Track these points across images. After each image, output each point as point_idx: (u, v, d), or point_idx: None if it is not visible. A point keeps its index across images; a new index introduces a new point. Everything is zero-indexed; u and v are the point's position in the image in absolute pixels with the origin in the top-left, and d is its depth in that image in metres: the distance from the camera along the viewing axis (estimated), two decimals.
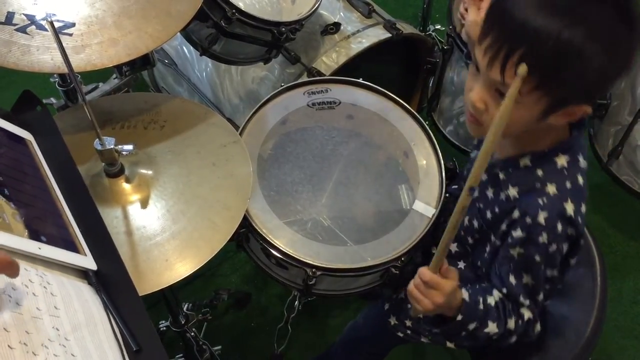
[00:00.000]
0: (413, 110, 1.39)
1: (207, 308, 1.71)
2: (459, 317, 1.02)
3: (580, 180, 1.02)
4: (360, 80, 1.42)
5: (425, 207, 1.26)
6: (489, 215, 1.11)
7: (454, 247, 1.24)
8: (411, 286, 1.02)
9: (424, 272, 0.99)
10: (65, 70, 0.86)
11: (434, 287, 0.99)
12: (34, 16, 1.02)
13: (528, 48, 0.85)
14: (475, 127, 1.02)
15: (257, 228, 1.19)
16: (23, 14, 1.02)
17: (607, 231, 2.07)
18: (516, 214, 1.03)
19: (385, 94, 1.41)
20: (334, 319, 1.89)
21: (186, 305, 1.68)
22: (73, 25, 1.03)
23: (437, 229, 1.36)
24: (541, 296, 1.05)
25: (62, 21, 1.03)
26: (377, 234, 1.23)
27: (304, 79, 1.61)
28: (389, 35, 1.68)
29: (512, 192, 1.05)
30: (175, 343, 1.62)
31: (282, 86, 1.39)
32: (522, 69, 0.80)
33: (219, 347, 1.69)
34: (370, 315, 1.44)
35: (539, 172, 1.02)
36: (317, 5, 1.51)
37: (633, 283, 1.99)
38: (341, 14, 1.76)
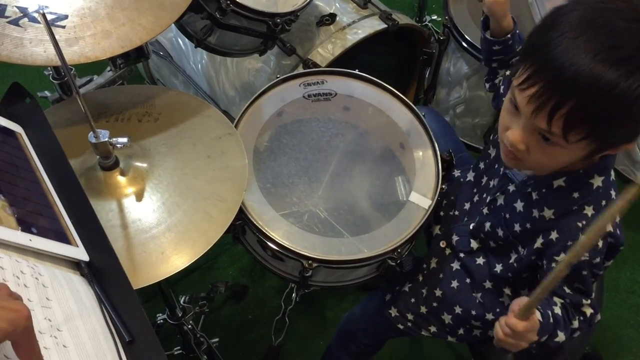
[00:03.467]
0: (409, 102, 1.38)
1: (205, 301, 1.72)
2: (536, 338, 1.01)
3: (613, 194, 1.03)
4: (357, 72, 1.42)
5: (422, 199, 1.26)
6: (517, 227, 1.11)
7: (475, 244, 1.25)
8: (501, 336, 0.99)
9: (516, 324, 0.95)
10: (58, 62, 0.86)
11: (529, 332, 0.97)
12: (27, 8, 1.01)
13: (579, 100, 0.83)
14: (513, 162, 1.01)
15: (253, 220, 1.18)
16: (15, 6, 1.01)
17: None
18: (554, 235, 1.03)
19: (382, 85, 1.41)
20: (331, 310, 1.89)
21: (183, 298, 1.68)
22: (66, 17, 1.02)
23: (434, 219, 1.36)
24: (593, 292, 1.07)
25: (55, 13, 1.02)
26: (374, 226, 1.23)
27: (300, 70, 1.60)
28: (385, 26, 1.68)
29: (548, 213, 1.05)
30: (172, 336, 1.62)
31: (277, 78, 1.39)
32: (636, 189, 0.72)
33: (217, 339, 1.69)
34: (368, 306, 1.44)
35: (575, 195, 1.02)
36: None
37: (630, 273, 2.00)
38: (337, 4, 1.76)
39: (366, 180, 1.29)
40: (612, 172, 1.05)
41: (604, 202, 1.02)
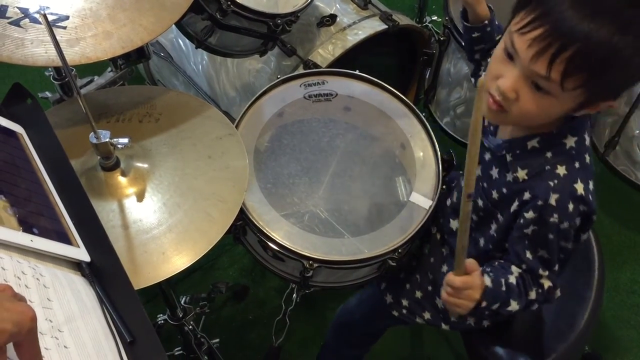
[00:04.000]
0: (409, 102, 1.38)
1: (205, 301, 1.72)
2: (484, 304, 1.03)
3: (587, 158, 1.04)
4: (357, 72, 1.42)
5: (422, 199, 1.26)
6: (494, 195, 1.11)
7: (455, 224, 1.26)
8: (445, 296, 1.03)
9: (453, 279, 1.00)
10: (59, 63, 0.86)
11: (467, 288, 1.00)
12: (28, 9, 1.01)
13: (583, 45, 0.84)
14: (497, 114, 0.99)
15: (254, 221, 1.18)
16: (16, 7, 1.01)
17: (604, 222, 2.07)
18: (527, 195, 1.03)
19: (382, 85, 1.41)
20: (332, 311, 1.88)
21: (184, 299, 1.68)
22: (67, 18, 1.02)
23: (435, 220, 1.36)
24: (557, 266, 1.06)
25: (56, 14, 1.02)
26: (374, 226, 1.23)
27: (300, 71, 1.60)
28: (385, 26, 1.68)
29: (521, 174, 1.05)
30: (173, 336, 1.62)
31: (278, 78, 1.39)
32: (481, 81, 0.79)
33: (217, 340, 1.69)
34: (365, 296, 1.44)
35: (548, 154, 1.03)
36: None
37: (630, 273, 2.00)
38: (337, 5, 1.76)
39: (367, 181, 1.29)
40: (587, 137, 1.04)
41: (577, 164, 1.01)
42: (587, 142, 1.05)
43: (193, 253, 0.97)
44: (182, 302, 1.60)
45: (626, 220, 2.08)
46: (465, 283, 1.00)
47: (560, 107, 0.94)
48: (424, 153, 1.32)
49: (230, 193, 1.06)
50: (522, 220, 1.04)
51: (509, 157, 1.08)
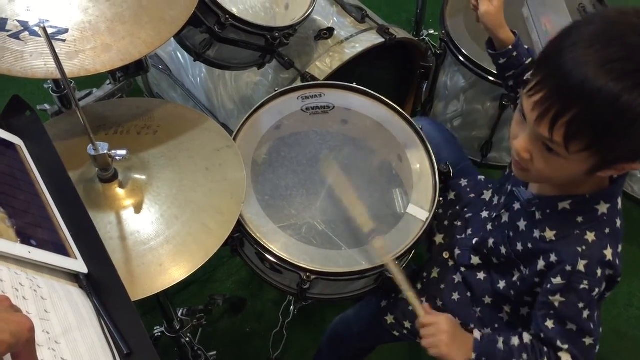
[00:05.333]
0: (406, 115, 1.39)
1: (202, 313, 1.71)
2: (473, 356, 1.04)
3: (618, 223, 1.02)
4: (354, 85, 1.43)
5: (419, 211, 1.26)
6: (519, 247, 1.11)
7: (476, 260, 1.25)
8: (421, 338, 1.12)
9: (418, 321, 1.13)
10: (58, 76, 0.86)
11: (431, 325, 1.09)
12: (27, 22, 1.02)
13: (582, 109, 0.84)
14: (521, 173, 1.02)
15: (251, 232, 1.19)
16: (16, 20, 1.02)
17: None
18: (553, 257, 1.03)
19: (379, 98, 1.42)
20: (330, 323, 1.88)
21: (181, 311, 1.67)
22: (66, 31, 1.03)
23: (438, 228, 1.36)
24: (589, 339, 1.02)
25: (55, 27, 1.03)
26: (372, 238, 1.23)
27: (298, 84, 1.61)
28: (382, 40, 1.69)
29: (549, 234, 1.04)
30: (170, 349, 1.61)
31: (276, 91, 1.40)
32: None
33: (214, 352, 1.69)
34: (363, 311, 1.43)
35: (579, 219, 1.02)
36: (310, 10, 1.52)
37: (627, 287, 1.99)
38: (335, 19, 1.77)
39: (364, 193, 1.29)
40: (619, 201, 1.03)
41: (607, 230, 1.00)
42: (619, 205, 1.03)
43: (190, 265, 0.97)
44: (179, 314, 1.60)
45: (624, 234, 2.08)
46: (428, 320, 1.10)
47: (573, 168, 0.93)
48: (420, 165, 1.33)
49: (228, 205, 1.06)
50: (549, 286, 1.03)
51: (538, 215, 1.07)
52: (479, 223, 1.29)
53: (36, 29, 1.01)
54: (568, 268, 1.00)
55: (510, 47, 1.22)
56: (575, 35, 0.88)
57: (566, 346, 1.02)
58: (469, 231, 1.30)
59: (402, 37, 1.74)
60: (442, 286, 1.31)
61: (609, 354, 1.87)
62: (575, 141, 0.87)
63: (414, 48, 1.87)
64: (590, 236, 1.00)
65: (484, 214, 1.29)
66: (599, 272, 0.99)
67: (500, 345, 1.03)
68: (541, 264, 1.05)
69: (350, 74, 1.67)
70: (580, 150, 0.88)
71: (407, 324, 1.32)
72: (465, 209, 1.37)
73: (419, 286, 1.34)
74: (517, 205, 1.14)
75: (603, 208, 1.01)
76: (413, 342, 1.35)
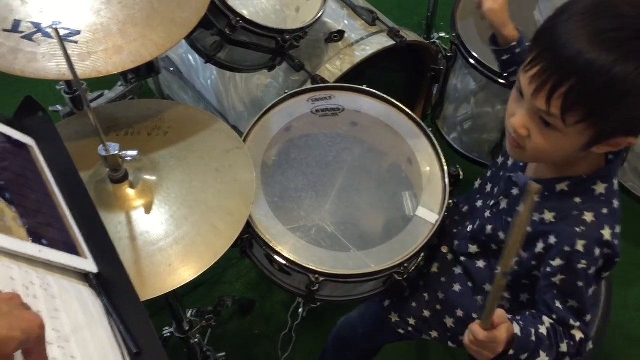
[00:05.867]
0: (416, 117, 1.39)
1: (211, 314, 1.72)
2: (511, 352, 1.01)
3: (616, 203, 1.03)
4: (364, 87, 1.43)
5: (429, 214, 1.26)
6: None
7: (474, 248, 1.26)
8: (467, 342, 1.00)
9: (477, 331, 0.96)
10: (70, 77, 0.87)
11: (491, 342, 0.97)
12: (40, 24, 1.03)
13: (577, 80, 0.85)
14: (517, 151, 1.02)
15: (260, 234, 1.19)
16: (29, 21, 1.03)
17: None
18: (552, 239, 1.03)
19: (389, 100, 1.42)
20: None
21: (190, 312, 1.68)
22: (78, 32, 1.04)
23: (441, 234, 1.36)
24: (589, 316, 1.04)
25: (68, 29, 1.04)
26: (381, 240, 1.23)
27: (308, 86, 1.62)
28: (393, 42, 1.69)
29: (548, 216, 1.05)
30: (179, 350, 1.62)
31: (286, 93, 1.40)
32: (534, 187, 0.78)
33: (223, 353, 1.69)
34: (367, 311, 1.44)
35: (577, 200, 1.03)
36: (321, 13, 1.52)
37: (638, 290, 1.98)
38: (345, 21, 1.78)
39: (373, 195, 1.29)
40: (616, 182, 1.04)
41: (605, 210, 1.01)
42: (616, 185, 1.04)
43: (199, 265, 0.98)
44: (189, 315, 1.61)
45: (634, 237, 2.06)
46: (489, 338, 0.96)
47: (570, 143, 0.94)
48: (430, 168, 1.33)
49: (237, 206, 1.06)
50: (548, 269, 1.04)
51: (536, 197, 1.07)
52: (475, 213, 1.30)
53: (49, 30, 1.02)
54: (567, 248, 1.00)
55: (514, 43, 1.23)
56: (569, 10, 0.89)
57: (577, 323, 1.03)
58: (467, 223, 1.31)
59: (412, 40, 1.74)
60: (443, 279, 1.31)
61: (620, 358, 1.86)
62: (572, 113, 0.88)
63: (425, 51, 1.87)
64: (588, 216, 1.01)
65: (479, 203, 1.30)
66: (597, 251, 1.00)
67: (533, 337, 1.03)
68: (540, 246, 1.06)
69: (360, 76, 1.67)
70: (577, 122, 0.89)
71: (411, 321, 1.32)
72: (461, 204, 1.37)
73: (421, 283, 1.34)
74: (515, 191, 1.15)
75: (600, 188, 1.02)
76: (419, 339, 1.35)
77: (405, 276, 1.21)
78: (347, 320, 1.50)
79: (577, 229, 1.00)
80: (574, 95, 0.86)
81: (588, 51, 0.84)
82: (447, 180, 1.29)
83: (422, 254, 1.27)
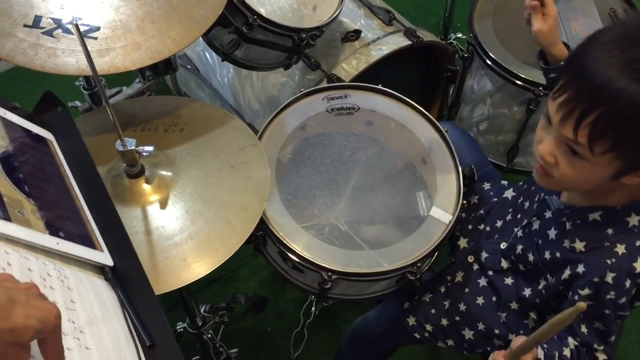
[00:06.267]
0: (432, 117, 1.39)
1: (225, 311, 1.73)
2: None
3: None
4: (380, 87, 1.43)
5: (443, 214, 1.26)
6: (547, 255, 1.10)
7: (505, 264, 1.24)
8: None
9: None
10: (89, 73, 0.88)
11: None
12: (61, 20, 1.04)
13: (605, 109, 0.84)
14: (544, 179, 1.01)
15: (274, 231, 1.20)
16: (50, 17, 1.04)
17: None
18: (581, 268, 1.02)
19: (405, 100, 1.42)
20: (350, 325, 1.87)
21: (203, 308, 1.69)
22: (98, 29, 1.05)
23: (461, 232, 1.36)
24: (613, 337, 1.04)
25: (88, 25, 1.05)
26: (394, 240, 1.23)
27: (324, 85, 1.62)
28: (409, 42, 1.69)
29: (579, 245, 1.04)
30: (192, 345, 1.63)
31: (301, 92, 1.41)
32: (580, 305, 0.77)
33: (235, 350, 1.70)
34: (385, 312, 1.44)
35: (609, 231, 1.01)
36: (337, 12, 1.53)
37: None
38: (362, 21, 1.78)
39: (387, 195, 1.29)
40: None
41: (638, 242, 0.99)
42: None
43: (213, 261, 0.98)
44: (202, 311, 1.62)
45: None
46: None
47: (598, 172, 0.93)
48: (445, 168, 1.32)
49: (252, 203, 1.07)
50: (576, 297, 1.03)
51: (568, 225, 1.07)
52: (506, 226, 1.28)
53: (69, 26, 1.03)
54: (596, 279, 0.99)
55: (562, 62, 1.19)
56: (600, 38, 0.88)
57: (601, 347, 1.03)
58: (496, 235, 1.30)
59: (429, 40, 1.74)
60: (467, 290, 1.30)
61: None
62: (599, 142, 0.87)
63: (441, 51, 1.86)
64: (620, 248, 0.99)
65: (509, 216, 1.28)
66: (627, 283, 0.98)
67: (557, 358, 1.03)
68: (567, 272, 1.05)
69: (376, 76, 1.68)
70: (604, 152, 0.88)
71: (428, 327, 1.32)
72: (490, 212, 1.36)
73: (443, 289, 1.33)
74: (548, 214, 1.13)
75: (634, 220, 1.00)
76: (434, 345, 1.35)
77: (418, 276, 1.21)
78: (364, 319, 1.50)
79: (608, 261, 0.99)
80: (602, 124, 0.85)
81: (618, 80, 0.82)
82: (461, 181, 1.29)
83: (436, 254, 1.27)
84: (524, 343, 0.93)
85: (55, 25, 1.03)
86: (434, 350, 1.87)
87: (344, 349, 1.56)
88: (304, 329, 1.81)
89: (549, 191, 1.15)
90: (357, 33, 1.71)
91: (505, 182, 1.42)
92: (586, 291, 1.01)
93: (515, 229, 1.22)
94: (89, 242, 0.79)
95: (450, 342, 1.32)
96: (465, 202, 1.27)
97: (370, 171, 1.32)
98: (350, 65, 1.67)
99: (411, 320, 1.33)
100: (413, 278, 1.20)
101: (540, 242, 1.13)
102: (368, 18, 1.79)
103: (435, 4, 2.65)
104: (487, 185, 1.41)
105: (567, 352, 1.04)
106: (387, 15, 1.78)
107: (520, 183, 1.32)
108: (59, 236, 0.75)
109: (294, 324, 1.83)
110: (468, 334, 1.29)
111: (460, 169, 1.30)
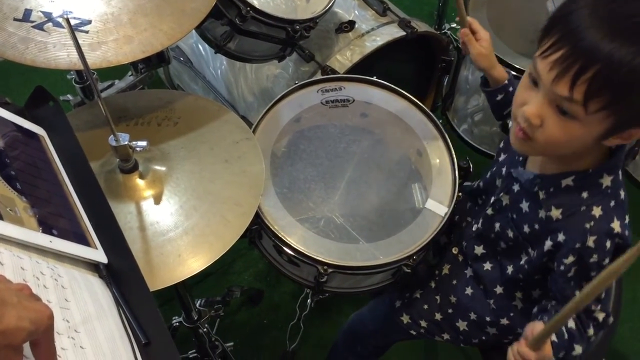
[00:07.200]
0: (426, 109, 1.38)
1: (220, 304, 1.72)
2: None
3: (622, 194, 1.02)
4: (374, 79, 1.42)
5: (438, 206, 1.25)
6: (526, 229, 1.10)
7: (480, 250, 1.25)
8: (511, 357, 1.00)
9: (527, 353, 0.95)
10: (81, 67, 0.87)
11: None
12: (51, 13, 1.03)
13: (603, 66, 0.83)
14: (523, 142, 0.98)
15: (269, 225, 1.19)
16: (40, 11, 1.03)
17: None
18: (561, 237, 1.03)
19: (399, 92, 1.41)
20: (346, 317, 1.86)
21: (199, 302, 1.69)
22: (89, 22, 1.04)
23: (450, 227, 1.36)
24: (603, 294, 1.05)
25: (79, 18, 1.04)
26: (389, 232, 1.23)
27: (318, 77, 1.61)
28: (403, 33, 1.68)
29: (555, 213, 1.04)
30: (188, 339, 1.63)
31: (296, 84, 1.40)
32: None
33: (232, 343, 1.70)
34: (377, 310, 1.44)
35: (584, 194, 1.01)
36: (331, 3, 1.51)
37: None
38: (356, 12, 1.76)
39: (383, 187, 1.29)
40: (621, 172, 1.03)
41: (612, 203, 1.00)
42: (621, 176, 1.03)
43: (208, 256, 0.98)
44: (197, 305, 1.62)
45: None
46: (541, 357, 0.96)
47: (587, 133, 0.92)
48: (440, 160, 1.32)
49: (246, 197, 1.06)
50: (562, 267, 1.03)
51: (542, 195, 1.06)
52: (479, 211, 1.29)
53: (60, 20, 1.02)
54: (578, 245, 1.00)
55: (505, 82, 1.24)
56: None
57: (598, 306, 1.04)
58: (472, 221, 1.30)
59: (423, 31, 1.73)
60: (454, 282, 1.31)
61: (630, 353, 1.85)
62: (595, 99, 0.86)
63: (436, 42, 1.86)
64: (597, 211, 1.00)
65: (480, 200, 1.30)
66: (608, 244, 0.99)
67: (565, 335, 1.03)
68: (548, 244, 1.05)
69: (370, 67, 1.67)
70: (598, 109, 0.87)
71: (423, 323, 1.32)
72: (469, 205, 1.36)
73: (433, 285, 1.33)
74: (516, 187, 1.13)
75: (607, 181, 1.00)
76: (431, 340, 1.35)
77: (414, 268, 1.21)
78: (358, 315, 1.50)
79: (587, 225, 0.99)
80: (600, 80, 0.84)
81: (612, 38, 0.82)
82: (456, 172, 1.29)
83: (431, 247, 1.26)
84: (539, 334, 0.92)
85: (46, 19, 1.02)
86: (430, 345, 1.88)
87: (339, 345, 1.57)
88: (299, 322, 1.80)
89: (512, 164, 1.15)
90: (351, 24, 1.70)
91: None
92: (570, 259, 1.01)
93: (485, 210, 1.23)
94: (83, 240, 0.79)
95: (446, 336, 1.33)
96: (460, 194, 1.27)
97: (365, 163, 1.32)
98: (344, 57, 1.66)
99: (405, 318, 1.34)
100: (409, 271, 1.20)
101: (515, 216, 1.13)
102: (362, 9, 1.78)
103: None
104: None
105: (571, 323, 1.04)
106: (381, 6, 1.77)
107: (488, 173, 1.32)
108: (52, 234, 0.74)
109: (290, 317, 1.82)
110: (462, 325, 1.30)
111: (455, 160, 1.30)
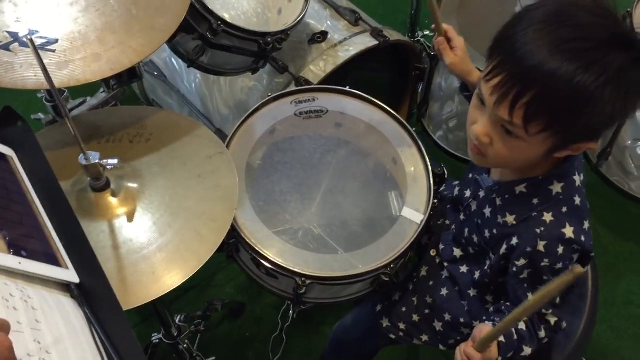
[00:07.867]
0: (400, 117, 1.39)
1: (201, 319, 1.71)
2: (499, 359, 1.03)
3: (577, 200, 1.03)
4: (347, 89, 1.43)
5: (414, 213, 1.26)
6: (487, 234, 1.13)
7: (458, 252, 1.26)
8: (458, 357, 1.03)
9: (472, 354, 0.99)
10: (48, 86, 0.87)
11: None
12: (17, 33, 1.02)
13: (539, 91, 0.85)
14: (478, 157, 1.03)
15: (246, 238, 1.19)
16: (6, 31, 1.02)
17: (599, 232, 2.07)
18: (514, 240, 1.05)
19: (373, 101, 1.42)
20: (329, 326, 1.88)
21: (179, 317, 1.67)
22: (56, 41, 1.03)
23: (431, 236, 1.37)
24: (558, 300, 1.07)
25: (45, 37, 1.03)
26: (367, 241, 1.23)
27: (292, 88, 1.61)
28: (376, 42, 1.69)
29: (510, 219, 1.06)
30: (168, 356, 1.61)
31: (269, 96, 1.40)
32: (578, 269, 0.77)
33: (214, 358, 1.69)
34: (360, 316, 1.44)
35: (535, 201, 1.04)
36: (302, 15, 1.52)
37: (626, 284, 1.99)
38: (328, 22, 1.77)
39: (359, 196, 1.29)
40: (578, 179, 1.05)
41: (564, 209, 1.02)
42: (578, 182, 1.04)
43: (184, 272, 0.97)
44: (177, 321, 1.60)
45: (621, 231, 2.08)
46: (486, 359, 1.00)
47: (533, 151, 0.95)
48: (415, 168, 1.33)
49: (221, 212, 1.06)
50: (515, 268, 1.06)
51: (498, 201, 1.09)
52: (453, 215, 1.31)
53: (26, 40, 1.01)
54: (529, 249, 1.02)
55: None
56: (528, 18, 0.90)
57: (550, 310, 1.07)
58: (451, 225, 1.32)
59: (395, 40, 1.74)
60: (431, 283, 1.32)
61: (608, 352, 1.87)
62: (534, 122, 0.88)
63: (409, 50, 1.87)
64: (547, 217, 1.02)
65: (460, 207, 1.31)
66: (560, 249, 1.01)
67: (515, 336, 1.05)
68: (504, 247, 1.07)
69: (344, 77, 1.67)
70: (539, 131, 0.90)
71: (402, 326, 1.33)
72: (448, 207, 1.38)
73: (410, 287, 1.34)
74: (482, 193, 1.16)
75: (557, 187, 1.03)
76: (410, 343, 1.35)
77: (392, 277, 1.21)
78: (341, 324, 1.50)
79: (538, 230, 1.01)
80: (536, 105, 0.86)
81: (549, 61, 0.84)
82: (431, 179, 1.29)
83: (409, 254, 1.27)
84: (484, 337, 0.95)
85: (12, 39, 1.01)
86: (417, 352, 1.88)
87: (326, 354, 1.56)
88: (282, 333, 1.80)
89: (480, 171, 1.18)
90: (323, 35, 1.71)
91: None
92: (522, 261, 1.03)
93: (460, 214, 1.25)
94: (53, 260, 0.78)
95: (425, 338, 1.33)
96: (436, 201, 1.28)
97: (341, 173, 1.32)
98: (317, 67, 1.66)
99: (385, 322, 1.34)
100: (387, 279, 1.20)
101: (479, 222, 1.15)
102: (334, 19, 1.79)
103: (402, 2, 2.66)
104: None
105: (522, 325, 1.06)
106: (353, 16, 1.78)
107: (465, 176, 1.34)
108: (21, 255, 0.73)
109: (273, 328, 1.82)
110: (438, 325, 1.31)
111: (430, 168, 1.31)
